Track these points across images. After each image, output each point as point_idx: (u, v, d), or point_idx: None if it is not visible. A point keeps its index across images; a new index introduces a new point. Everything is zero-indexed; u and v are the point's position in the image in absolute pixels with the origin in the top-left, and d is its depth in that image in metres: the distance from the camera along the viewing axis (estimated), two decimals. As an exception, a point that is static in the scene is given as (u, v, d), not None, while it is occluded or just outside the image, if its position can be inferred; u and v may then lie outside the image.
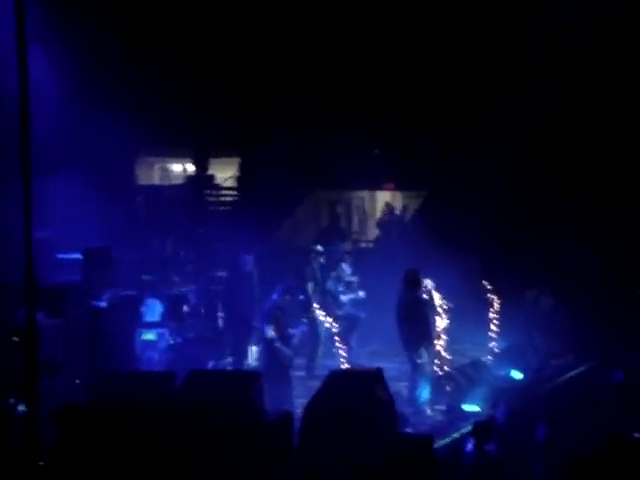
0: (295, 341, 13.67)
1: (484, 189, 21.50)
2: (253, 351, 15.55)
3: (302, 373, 15.68)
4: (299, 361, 15.77)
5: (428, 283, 14.22)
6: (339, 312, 15.99)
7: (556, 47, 20.80)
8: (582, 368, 15.95)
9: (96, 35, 19.57)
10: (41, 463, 8.23)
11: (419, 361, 13.79)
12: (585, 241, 18.84)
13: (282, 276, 16.16)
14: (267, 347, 13.51)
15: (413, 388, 13.84)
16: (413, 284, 13.94)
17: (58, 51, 16.76)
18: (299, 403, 12.34)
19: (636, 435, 10.73)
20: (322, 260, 16.37)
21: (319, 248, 16.60)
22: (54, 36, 16.37)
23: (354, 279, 16.57)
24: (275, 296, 13.59)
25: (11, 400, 11.31)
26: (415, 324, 13.81)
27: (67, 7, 17.93)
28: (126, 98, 19.59)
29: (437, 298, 14.35)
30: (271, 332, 13.28)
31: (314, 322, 15.60)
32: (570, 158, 21.82)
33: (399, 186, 26.29)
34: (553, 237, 19.80)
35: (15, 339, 11.50)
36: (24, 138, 7.83)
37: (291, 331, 13.84)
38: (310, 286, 15.83)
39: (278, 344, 13.26)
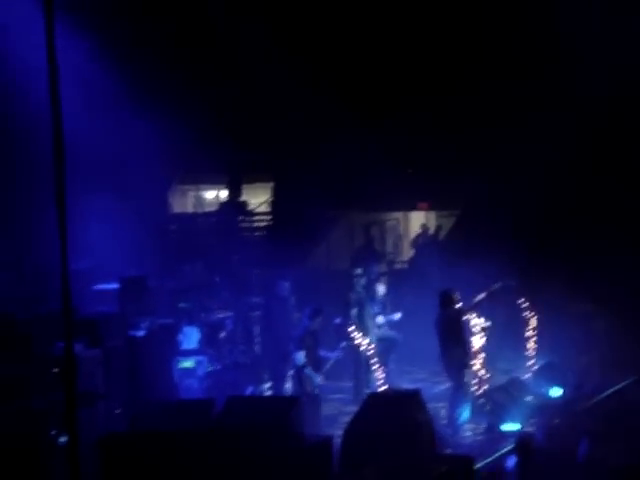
0: (327, 366, 13.65)
1: (518, 205, 21.41)
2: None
3: (344, 396, 15.63)
4: (345, 384, 15.76)
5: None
6: (376, 334, 15.92)
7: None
8: (624, 383, 15.79)
9: (128, 64, 19.73)
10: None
11: (463, 380, 13.74)
12: (623, 255, 18.66)
13: (319, 300, 16.15)
14: (297, 373, 13.52)
15: (452, 408, 13.78)
16: (448, 304, 13.95)
17: (95, 79, 16.92)
18: (340, 427, 12.33)
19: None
20: (364, 282, 16.26)
21: (359, 271, 16.49)
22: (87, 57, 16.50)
23: (387, 300, 16.48)
24: (305, 321, 13.58)
25: (53, 432, 11.37)
26: (454, 344, 13.79)
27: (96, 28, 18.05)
28: (159, 127, 19.72)
29: (473, 317, 14.28)
30: (302, 358, 13.28)
31: (356, 347, 15.47)
32: (610, 169, 21.62)
33: (433, 206, 26.24)
34: (591, 252, 19.62)
35: (55, 370, 11.60)
36: (58, 172, 7.58)
37: (326, 354, 13.81)
38: (354, 312, 15.72)
39: (308, 370, 13.25)
